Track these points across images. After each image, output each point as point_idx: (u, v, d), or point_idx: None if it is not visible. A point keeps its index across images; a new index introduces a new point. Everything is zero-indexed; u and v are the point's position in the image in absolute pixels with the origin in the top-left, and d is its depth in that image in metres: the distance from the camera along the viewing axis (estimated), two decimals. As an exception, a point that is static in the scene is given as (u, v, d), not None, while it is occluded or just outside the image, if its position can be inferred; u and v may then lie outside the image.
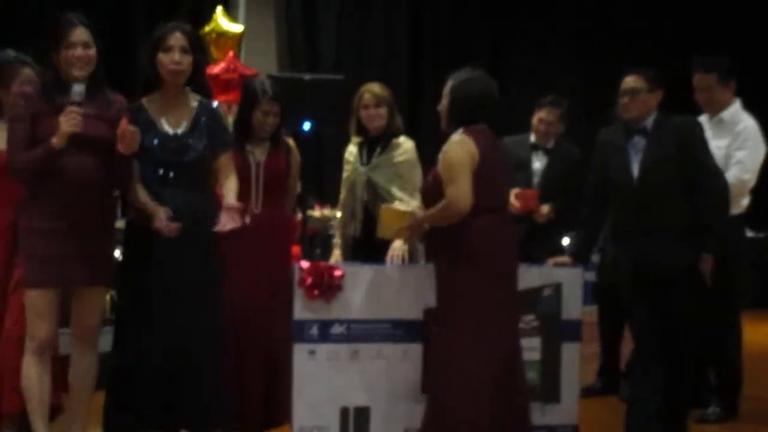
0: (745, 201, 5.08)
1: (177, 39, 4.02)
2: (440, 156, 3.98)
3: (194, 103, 4.16)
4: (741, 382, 5.09)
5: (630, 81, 4.35)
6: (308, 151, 5.24)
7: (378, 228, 4.32)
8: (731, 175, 4.78)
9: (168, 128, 4.06)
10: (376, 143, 4.81)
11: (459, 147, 3.94)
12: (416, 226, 4.11)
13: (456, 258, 3.94)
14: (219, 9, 7.20)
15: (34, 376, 3.84)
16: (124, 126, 3.77)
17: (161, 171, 4.02)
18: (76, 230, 3.81)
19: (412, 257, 4.66)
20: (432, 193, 4.00)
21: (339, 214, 4.96)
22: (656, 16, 10.81)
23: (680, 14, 10.70)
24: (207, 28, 6.96)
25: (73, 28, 3.81)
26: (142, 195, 3.99)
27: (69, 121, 3.67)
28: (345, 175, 4.91)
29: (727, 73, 5.08)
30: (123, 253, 4.26)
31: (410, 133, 4.93)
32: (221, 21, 7.06)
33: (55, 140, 3.68)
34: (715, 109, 5.08)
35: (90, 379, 4.04)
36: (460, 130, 3.99)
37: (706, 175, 4.31)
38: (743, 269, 5.14)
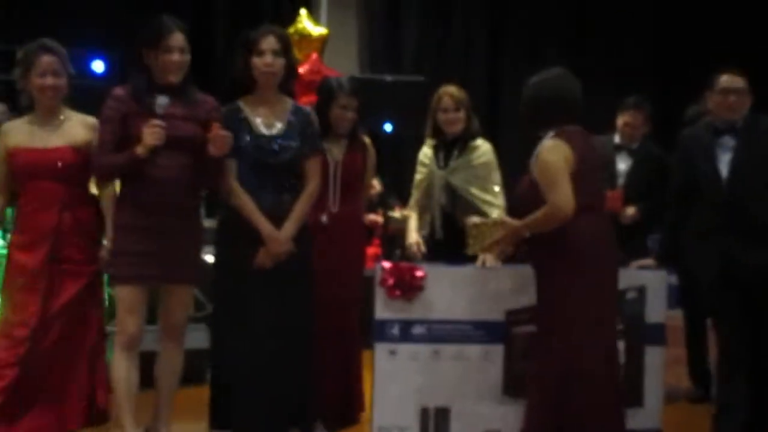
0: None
1: (269, 42, 4.10)
2: (534, 162, 3.90)
3: (288, 106, 4.22)
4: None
5: (733, 81, 4.27)
6: (389, 153, 5.26)
7: (469, 245, 4.18)
8: None
9: (263, 129, 4.13)
10: (453, 146, 4.81)
11: (553, 152, 3.86)
12: (512, 235, 3.97)
13: (559, 259, 3.86)
14: (303, 12, 7.30)
15: (123, 370, 3.92)
16: (216, 129, 3.84)
17: (255, 171, 4.09)
18: (165, 228, 3.87)
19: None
20: (529, 199, 3.91)
21: (409, 212, 4.95)
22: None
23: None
24: (291, 30, 7.03)
25: (171, 33, 3.87)
26: (249, 205, 4.04)
27: (152, 135, 3.74)
28: (419, 177, 4.90)
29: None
30: (216, 253, 4.32)
31: (489, 135, 4.91)
32: (305, 23, 7.13)
33: (139, 149, 3.76)
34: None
35: (176, 374, 4.12)
36: (551, 134, 3.91)
37: None
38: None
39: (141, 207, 3.86)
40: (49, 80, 3.93)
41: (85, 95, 4.38)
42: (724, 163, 4.25)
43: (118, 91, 3.95)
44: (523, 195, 4.00)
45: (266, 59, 4.07)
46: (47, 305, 3.93)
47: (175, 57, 3.87)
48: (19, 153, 3.95)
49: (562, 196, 3.80)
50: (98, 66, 9.10)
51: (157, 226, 3.85)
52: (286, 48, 4.16)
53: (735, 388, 4.16)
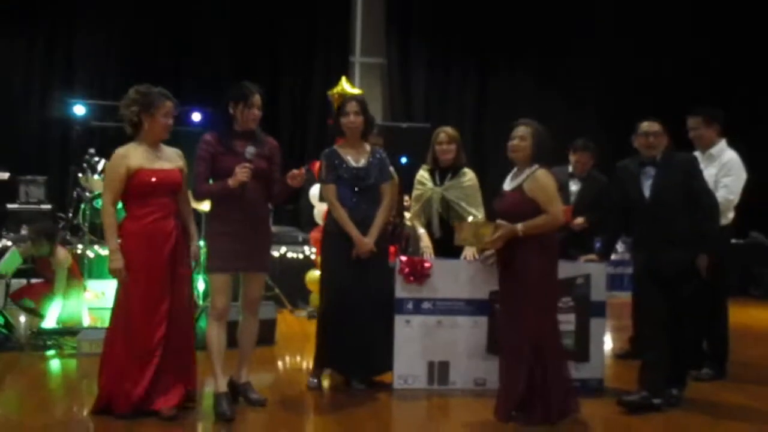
0: (731, 215, 4.91)
1: (352, 106, 4.32)
2: (531, 185, 3.86)
3: (368, 148, 4.40)
4: (728, 351, 4.92)
5: (651, 126, 4.24)
6: (406, 179, 5.29)
7: (468, 241, 4.11)
8: (720, 195, 4.64)
9: (353, 163, 4.29)
10: (446, 171, 4.78)
11: (548, 177, 3.90)
12: (510, 234, 3.82)
13: (543, 254, 3.85)
14: (343, 78, 7.46)
15: (215, 335, 3.90)
16: (296, 171, 3.89)
17: (350, 192, 4.27)
18: (246, 232, 3.89)
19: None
20: (520, 210, 3.85)
21: (413, 219, 4.84)
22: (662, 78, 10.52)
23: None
24: (335, 91, 7.11)
25: (254, 95, 3.92)
26: (345, 217, 4.24)
27: (243, 174, 3.77)
28: (418, 193, 4.80)
29: (711, 118, 4.95)
30: (323, 252, 4.48)
31: (475, 163, 4.91)
32: (345, 86, 7.22)
33: (231, 183, 3.76)
34: (704, 145, 4.94)
35: (253, 337, 4.12)
36: (536, 166, 3.90)
37: (703, 196, 4.21)
38: (729, 267, 4.98)
39: (229, 218, 3.88)
40: (170, 121, 3.79)
41: (185, 139, 4.41)
42: (647, 187, 4.22)
43: (207, 137, 3.92)
44: (513, 206, 3.90)
45: (350, 118, 4.32)
46: (173, 299, 3.76)
47: (255, 112, 3.92)
48: (141, 173, 3.70)
49: (559, 209, 3.89)
50: (196, 117, 9.14)
51: (241, 232, 3.87)
52: (363, 109, 4.36)
53: (658, 350, 4.13)
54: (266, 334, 5.21)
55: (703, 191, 4.23)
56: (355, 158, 4.34)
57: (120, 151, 3.74)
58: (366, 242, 4.23)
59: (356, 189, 4.29)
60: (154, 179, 3.71)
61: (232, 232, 3.87)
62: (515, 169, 4.03)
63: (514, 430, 3.74)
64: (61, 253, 5.89)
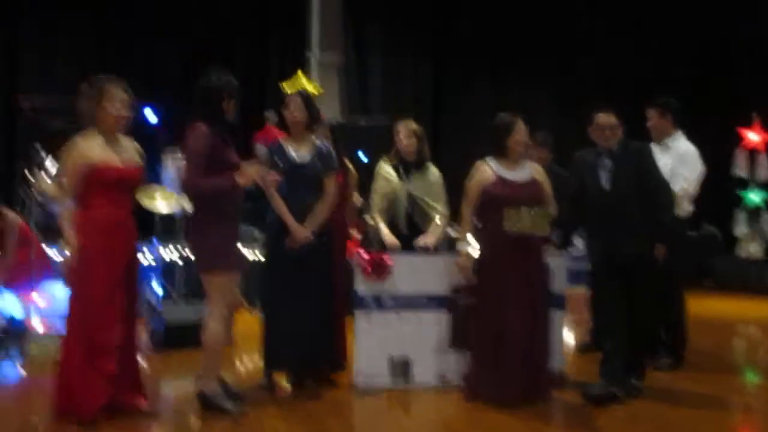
0: (688, 207, 4.98)
1: (295, 100, 4.32)
2: (541, 177, 4.25)
3: (314, 141, 4.35)
4: (686, 340, 4.99)
5: (607, 118, 4.26)
6: (364, 175, 5.23)
7: (513, 225, 4.08)
8: (678, 187, 4.71)
9: (295, 156, 4.25)
10: (410, 165, 4.73)
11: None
12: None
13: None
14: (299, 72, 7.34)
15: (222, 333, 3.82)
16: (267, 175, 3.92)
17: (290, 184, 4.17)
18: (236, 230, 3.90)
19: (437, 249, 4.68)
20: (541, 201, 4.17)
21: (375, 214, 4.75)
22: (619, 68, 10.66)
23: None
24: (289, 84, 7.03)
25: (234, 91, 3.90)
26: (282, 206, 4.17)
27: (255, 174, 3.79)
28: (382, 187, 4.73)
29: (665, 108, 5.01)
30: (266, 248, 4.41)
31: (432, 158, 4.91)
32: (303, 82, 7.17)
33: (241, 180, 3.74)
34: (659, 134, 5.00)
35: (229, 333, 4.06)
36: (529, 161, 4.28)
37: (658, 186, 4.26)
38: (686, 258, 5.06)
39: (231, 215, 3.84)
40: (123, 111, 3.63)
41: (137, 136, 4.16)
42: (604, 177, 4.24)
43: (203, 128, 3.76)
44: (538, 196, 4.16)
45: (293, 112, 4.29)
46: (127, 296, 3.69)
47: (237, 105, 3.92)
48: (101, 168, 3.55)
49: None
50: (149, 113, 8.89)
51: (237, 229, 3.90)
52: (308, 104, 4.34)
53: (617, 341, 4.16)
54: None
55: (658, 181, 4.27)
56: (297, 150, 4.28)
57: (77, 139, 3.59)
58: (302, 230, 4.14)
59: (296, 181, 4.19)
60: (117, 175, 3.59)
61: (229, 229, 3.84)
62: (495, 161, 4.22)
63: (468, 423, 3.73)
64: (9, 213, 5.83)
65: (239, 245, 3.97)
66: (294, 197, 4.19)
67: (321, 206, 4.23)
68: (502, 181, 4.17)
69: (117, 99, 3.63)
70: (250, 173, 3.75)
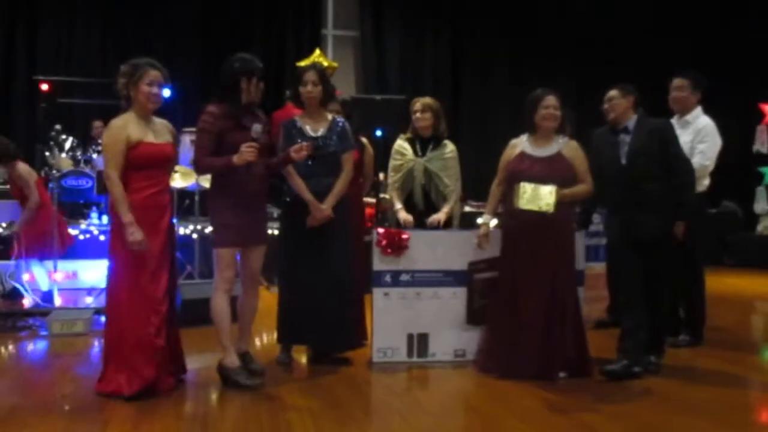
0: (706, 182, 4.92)
1: (310, 76, 4.20)
2: (572, 153, 4.11)
3: (329, 117, 4.29)
4: (705, 318, 4.96)
5: (610, 92, 4.28)
6: (380, 151, 5.21)
7: (518, 201, 4.03)
8: (695, 162, 4.65)
9: (312, 132, 4.20)
10: (427, 142, 4.71)
11: (580, 147, 4.14)
12: (559, 199, 3.97)
13: (571, 219, 4.19)
14: (317, 50, 7.37)
15: (225, 308, 3.91)
16: (302, 144, 3.93)
17: (307, 161, 4.13)
18: (250, 207, 3.89)
19: (451, 224, 4.66)
20: (566, 177, 4.06)
21: (391, 191, 4.75)
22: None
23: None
24: (307, 62, 7.01)
25: (260, 68, 3.90)
26: (301, 185, 4.14)
27: (249, 153, 3.73)
28: (398, 163, 4.70)
29: (697, 82, 4.94)
30: (281, 225, 4.39)
31: (451, 134, 4.87)
32: (320, 59, 7.15)
33: (235, 160, 3.73)
34: (684, 108, 4.91)
35: (253, 309, 4.12)
36: (566, 137, 4.15)
37: (679, 162, 4.20)
38: (705, 234, 5.00)
39: (232, 192, 3.85)
40: (155, 90, 3.68)
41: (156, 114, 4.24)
42: (622, 153, 4.19)
43: (213, 108, 3.82)
44: (559, 172, 4.05)
45: (308, 87, 4.21)
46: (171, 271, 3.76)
47: (261, 85, 3.89)
48: (140, 147, 3.62)
49: (591, 179, 4.09)
50: (166, 93, 8.90)
51: (242, 205, 3.86)
52: (322, 78, 4.26)
53: (636, 318, 4.13)
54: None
55: (679, 157, 4.21)
56: (314, 127, 4.24)
57: (116, 122, 3.66)
58: (322, 208, 4.14)
59: (313, 159, 4.15)
60: (153, 153, 3.65)
61: (236, 206, 3.86)
62: (526, 137, 4.18)
63: (487, 399, 3.73)
64: (22, 167, 5.94)
65: (255, 223, 3.95)
66: (312, 175, 4.18)
67: (339, 183, 4.21)
68: (522, 156, 4.14)
69: (154, 79, 3.68)
70: (243, 153, 3.72)
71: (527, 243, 4.06)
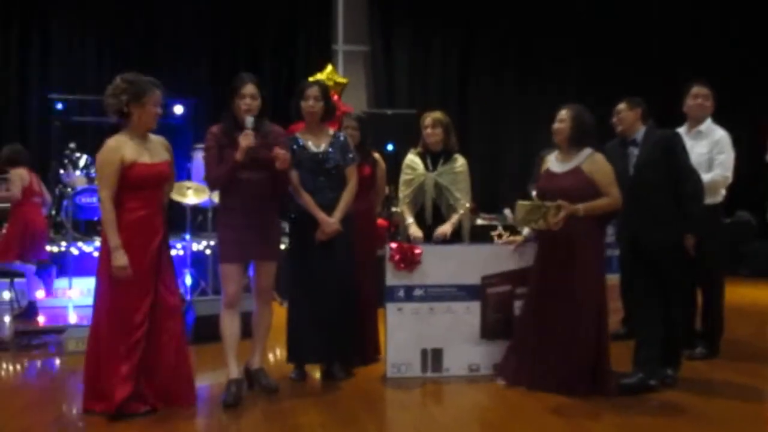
0: (723, 193, 4.89)
1: (312, 91, 4.22)
2: (592, 167, 4.02)
3: (331, 132, 4.30)
4: (722, 330, 4.91)
5: (618, 106, 4.31)
6: (391, 165, 5.20)
7: (518, 218, 4.06)
8: (716, 173, 4.68)
9: (314, 148, 4.20)
10: (438, 156, 4.70)
11: (606, 161, 4.06)
12: (571, 214, 3.91)
13: (598, 231, 4.07)
14: (329, 66, 7.43)
15: (227, 323, 3.91)
16: (277, 150, 3.87)
17: (313, 177, 4.17)
18: (253, 223, 3.88)
19: (462, 239, 4.64)
20: (583, 191, 3.98)
21: (402, 205, 4.74)
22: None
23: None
24: (320, 77, 7.04)
25: (245, 84, 3.90)
26: (309, 200, 4.14)
27: (245, 139, 3.78)
28: (408, 177, 4.70)
29: (713, 92, 4.90)
30: (289, 241, 4.39)
31: (460, 150, 4.86)
32: (332, 75, 7.18)
33: (237, 155, 3.77)
34: (701, 117, 4.85)
35: (266, 325, 4.11)
36: (590, 150, 4.07)
37: (686, 173, 4.16)
38: (722, 245, 4.96)
39: (237, 210, 3.88)
40: (160, 110, 3.71)
41: (166, 132, 4.18)
42: (631, 165, 4.19)
43: (214, 129, 3.94)
44: (573, 187, 4.00)
45: (309, 102, 4.21)
46: (157, 294, 3.69)
47: (247, 101, 3.87)
48: (133, 167, 3.60)
49: (618, 192, 4.01)
50: (178, 109, 8.94)
51: (246, 222, 3.87)
52: (324, 94, 4.26)
53: (649, 328, 4.09)
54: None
55: (686, 168, 4.18)
56: (315, 143, 4.25)
57: (111, 143, 3.62)
58: (331, 222, 4.14)
59: (318, 174, 4.18)
60: (147, 174, 3.63)
61: (239, 223, 3.88)
62: (556, 153, 4.19)
63: (502, 414, 3.70)
64: (16, 171, 6.25)
65: (261, 239, 3.93)
66: (318, 191, 4.18)
67: (345, 197, 4.21)
68: (547, 173, 4.20)
69: (158, 100, 3.69)
70: (241, 141, 3.76)
71: (549, 256, 4.08)
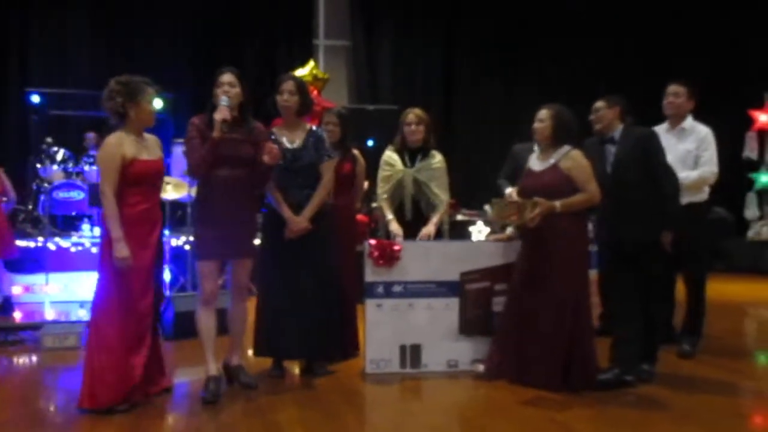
0: (707, 190, 4.92)
1: (287, 85, 4.18)
2: (568, 164, 4.04)
3: (307, 127, 4.26)
4: (703, 326, 4.96)
5: (596, 104, 4.32)
6: (372, 161, 5.20)
7: (494, 215, 4.17)
8: (705, 170, 4.72)
9: (288, 144, 4.16)
10: (416, 152, 4.70)
11: (584, 157, 4.07)
12: (549, 211, 3.94)
13: (578, 226, 4.06)
14: (312, 62, 7.42)
15: (204, 320, 3.92)
16: (271, 145, 3.86)
17: (286, 173, 4.14)
18: (231, 221, 3.88)
19: (442, 235, 4.67)
20: (560, 188, 4.00)
21: (381, 202, 4.74)
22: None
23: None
24: (301, 72, 7.02)
25: (223, 74, 3.91)
26: (278, 197, 4.13)
27: (219, 113, 3.77)
28: (387, 174, 4.69)
29: (693, 90, 4.93)
30: (262, 235, 4.35)
31: (444, 145, 4.87)
32: (313, 71, 7.16)
33: (214, 133, 3.76)
34: (677, 115, 4.88)
35: (243, 321, 4.14)
36: (569, 147, 4.08)
37: (663, 172, 4.19)
38: (706, 242, 5.01)
39: (214, 207, 3.87)
40: (154, 107, 3.78)
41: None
42: (609, 163, 4.22)
43: (195, 120, 3.92)
44: (550, 184, 4.03)
45: (284, 96, 4.16)
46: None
47: (225, 88, 3.87)
48: (135, 164, 3.65)
49: (596, 188, 4.02)
50: (157, 104, 8.84)
51: (223, 219, 3.86)
52: (300, 88, 4.21)
53: (627, 324, 4.12)
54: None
55: (662, 166, 4.20)
56: (290, 138, 4.22)
57: (112, 140, 3.66)
58: (298, 221, 4.11)
59: (290, 170, 4.15)
60: (146, 170, 3.69)
61: (215, 220, 3.87)
62: (537, 151, 4.21)
63: (480, 409, 3.72)
64: None
65: (237, 236, 3.92)
66: (290, 187, 4.15)
67: (317, 194, 4.18)
68: (527, 171, 4.24)
69: (149, 95, 3.72)
70: (216, 115, 3.75)
71: (530, 252, 4.11)
